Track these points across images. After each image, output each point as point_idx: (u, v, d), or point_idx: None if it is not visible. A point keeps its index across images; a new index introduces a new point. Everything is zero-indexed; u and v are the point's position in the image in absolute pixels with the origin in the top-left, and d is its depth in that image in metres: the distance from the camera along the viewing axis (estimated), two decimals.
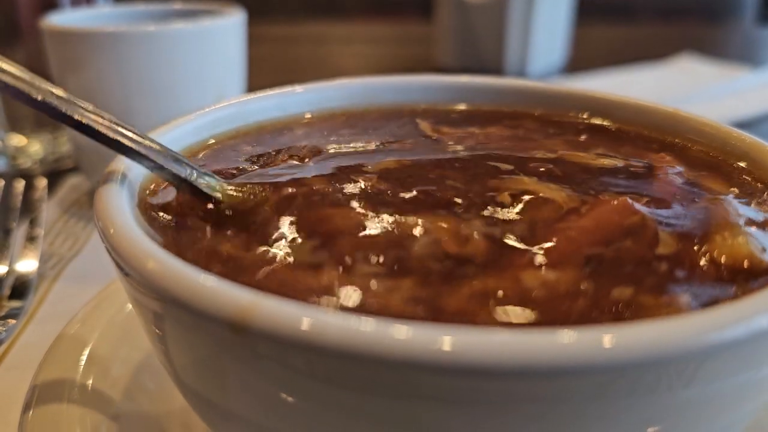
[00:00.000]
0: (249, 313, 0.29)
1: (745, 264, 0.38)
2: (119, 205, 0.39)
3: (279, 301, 0.29)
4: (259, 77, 0.97)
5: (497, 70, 1.72)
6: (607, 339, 0.27)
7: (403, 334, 0.27)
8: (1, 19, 1.07)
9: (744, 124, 0.53)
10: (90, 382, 0.52)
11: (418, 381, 0.28)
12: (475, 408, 0.29)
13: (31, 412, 0.48)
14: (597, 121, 0.61)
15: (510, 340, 0.27)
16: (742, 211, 0.44)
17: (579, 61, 1.80)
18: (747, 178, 0.49)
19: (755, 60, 1.88)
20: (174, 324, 0.34)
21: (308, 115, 0.62)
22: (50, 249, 0.84)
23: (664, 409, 0.31)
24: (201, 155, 0.53)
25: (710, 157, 0.53)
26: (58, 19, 0.94)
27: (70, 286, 0.76)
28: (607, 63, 1.70)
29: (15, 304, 0.66)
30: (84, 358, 0.54)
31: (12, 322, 0.64)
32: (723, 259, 0.38)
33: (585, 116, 0.61)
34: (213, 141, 0.55)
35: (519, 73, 1.71)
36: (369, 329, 0.27)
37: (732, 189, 0.48)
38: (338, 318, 0.28)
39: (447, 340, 0.27)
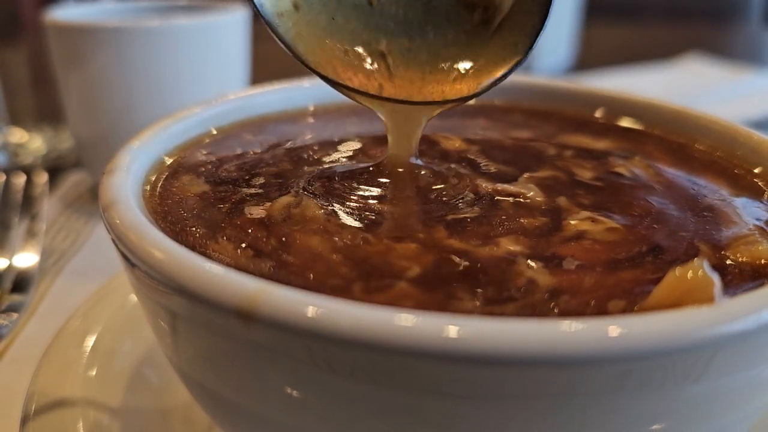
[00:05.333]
0: (256, 301, 0.29)
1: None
2: (124, 196, 0.39)
3: (286, 288, 0.29)
4: (263, 75, 0.97)
5: None
6: (614, 329, 0.27)
7: (409, 322, 0.27)
8: (3, 13, 1.07)
9: (751, 125, 0.53)
10: (92, 376, 0.52)
11: (424, 370, 0.28)
12: (481, 399, 0.29)
13: (33, 406, 0.48)
14: (606, 118, 0.61)
15: (516, 328, 0.27)
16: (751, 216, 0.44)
17: (586, 61, 1.79)
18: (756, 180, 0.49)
19: (761, 61, 1.88)
20: (181, 314, 0.34)
21: (312, 110, 0.61)
22: (52, 245, 0.84)
23: (674, 404, 0.30)
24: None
25: (717, 158, 0.53)
26: (61, 14, 0.94)
27: (72, 282, 0.76)
28: (614, 63, 1.70)
29: (16, 297, 0.66)
30: (86, 352, 0.54)
31: (14, 315, 0.63)
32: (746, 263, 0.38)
33: (596, 114, 0.61)
34: (216, 132, 0.55)
35: (525, 72, 1.70)
36: (375, 317, 0.27)
37: (740, 193, 0.47)
38: (345, 305, 0.28)
39: (453, 328, 0.27)
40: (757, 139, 0.51)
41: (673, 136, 0.57)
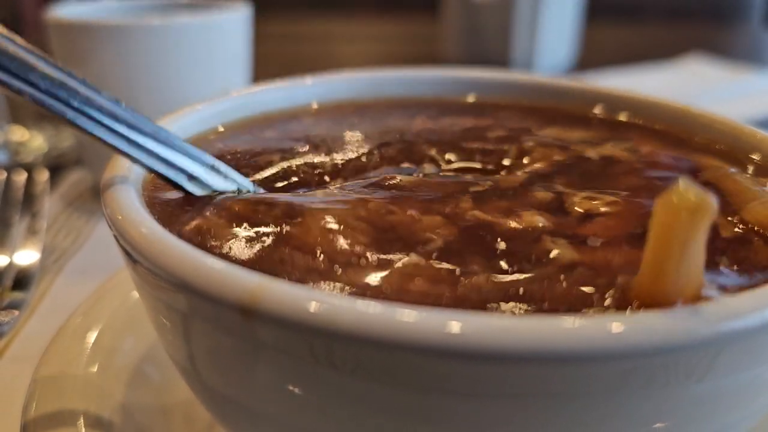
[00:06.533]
0: (257, 296, 0.28)
1: None
2: (127, 191, 0.39)
3: (287, 284, 0.29)
4: (264, 74, 0.97)
5: (504, 68, 1.71)
6: (617, 326, 0.27)
7: (411, 318, 0.27)
8: (5, 11, 1.07)
9: (753, 125, 0.53)
10: (93, 373, 0.51)
11: (426, 367, 0.28)
12: (483, 397, 0.29)
13: (34, 404, 0.48)
14: (607, 114, 0.61)
15: (519, 324, 0.27)
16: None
17: (587, 61, 1.79)
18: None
19: (762, 61, 1.88)
20: (182, 310, 0.34)
21: (315, 106, 0.61)
22: (53, 243, 0.84)
23: (677, 403, 0.30)
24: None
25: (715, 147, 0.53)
26: (63, 12, 0.94)
27: (73, 280, 0.76)
28: (615, 62, 1.70)
29: (17, 295, 0.66)
30: (87, 349, 0.53)
31: (15, 312, 0.63)
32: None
33: (596, 111, 0.61)
34: (222, 129, 0.55)
35: (526, 71, 1.71)
36: (376, 312, 0.27)
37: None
38: (346, 301, 0.28)
39: (455, 324, 0.27)
40: (760, 137, 0.51)
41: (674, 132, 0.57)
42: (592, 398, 0.29)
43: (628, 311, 0.31)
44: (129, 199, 0.38)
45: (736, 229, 0.39)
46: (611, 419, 0.30)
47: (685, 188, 0.28)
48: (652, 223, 0.29)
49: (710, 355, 0.28)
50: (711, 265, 0.35)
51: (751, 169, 0.49)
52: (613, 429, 0.30)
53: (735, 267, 0.36)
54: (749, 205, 0.42)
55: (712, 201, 0.28)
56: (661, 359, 0.28)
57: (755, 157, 0.50)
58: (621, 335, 0.27)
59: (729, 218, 0.40)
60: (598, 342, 0.26)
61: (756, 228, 0.40)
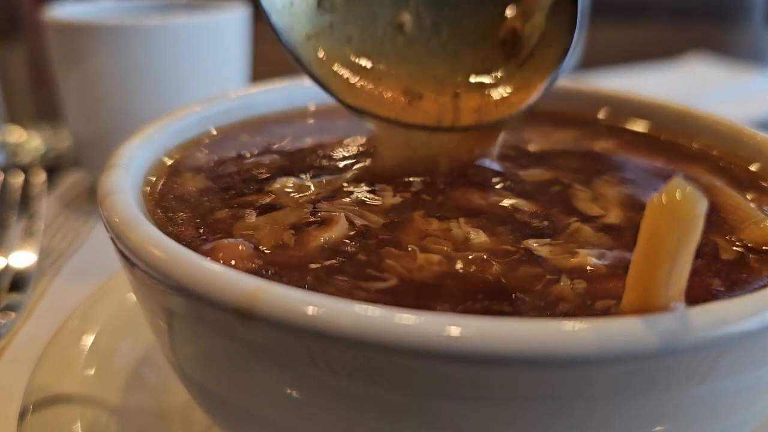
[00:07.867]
0: (255, 299, 0.28)
1: None
2: (123, 194, 0.39)
3: (285, 287, 0.29)
4: (262, 74, 0.97)
5: None
6: (616, 329, 0.27)
7: (410, 321, 0.27)
8: (3, 11, 1.07)
9: (755, 125, 0.53)
10: (90, 375, 0.51)
11: (424, 370, 0.27)
12: (483, 400, 0.28)
13: (31, 406, 0.48)
14: (609, 118, 0.60)
15: (518, 328, 0.27)
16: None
17: (589, 61, 1.79)
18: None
19: (764, 61, 1.87)
20: (180, 313, 0.33)
21: (313, 108, 0.61)
22: (50, 244, 0.84)
23: (678, 405, 0.30)
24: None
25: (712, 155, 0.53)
26: (60, 12, 0.94)
27: (70, 282, 0.76)
28: (617, 63, 1.70)
29: (14, 297, 0.66)
30: (84, 351, 0.53)
31: (11, 315, 0.63)
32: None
33: (600, 114, 0.61)
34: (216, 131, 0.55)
35: None
36: (375, 315, 0.27)
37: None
38: (344, 304, 0.28)
39: (454, 328, 0.26)
40: (761, 139, 0.51)
41: (677, 136, 0.56)
42: (593, 401, 0.28)
43: (629, 314, 0.31)
44: (126, 202, 0.38)
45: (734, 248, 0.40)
46: (613, 421, 0.30)
47: (677, 190, 0.28)
48: (642, 225, 0.29)
49: (712, 357, 0.28)
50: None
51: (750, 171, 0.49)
52: (614, 431, 0.30)
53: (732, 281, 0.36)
54: (744, 224, 0.42)
55: (703, 205, 0.27)
56: (663, 361, 0.27)
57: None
58: (622, 338, 0.26)
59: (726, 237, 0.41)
60: (599, 345, 0.26)
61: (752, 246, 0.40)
